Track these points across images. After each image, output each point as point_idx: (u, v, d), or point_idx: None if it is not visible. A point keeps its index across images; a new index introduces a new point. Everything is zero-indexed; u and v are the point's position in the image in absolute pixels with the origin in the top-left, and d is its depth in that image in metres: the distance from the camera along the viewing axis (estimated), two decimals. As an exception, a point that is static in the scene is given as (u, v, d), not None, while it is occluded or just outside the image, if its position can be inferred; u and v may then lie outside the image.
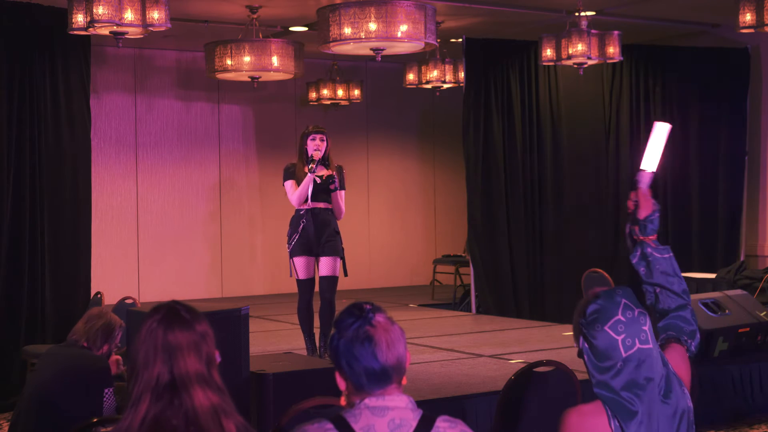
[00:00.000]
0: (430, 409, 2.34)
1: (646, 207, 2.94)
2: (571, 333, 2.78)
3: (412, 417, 2.26)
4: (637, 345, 2.59)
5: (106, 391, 4.60)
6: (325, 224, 7.01)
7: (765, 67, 10.72)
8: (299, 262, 7.03)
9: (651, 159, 3.05)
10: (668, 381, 2.63)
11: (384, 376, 2.26)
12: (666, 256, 2.91)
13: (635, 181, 3.02)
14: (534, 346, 7.61)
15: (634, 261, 2.93)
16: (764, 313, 6.88)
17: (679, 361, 2.74)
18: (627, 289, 2.67)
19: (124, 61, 11.35)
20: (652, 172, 3.02)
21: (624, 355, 2.58)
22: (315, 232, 6.98)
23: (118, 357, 5.14)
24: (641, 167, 3.03)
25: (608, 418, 2.58)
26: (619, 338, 2.59)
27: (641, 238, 2.93)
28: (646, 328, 2.62)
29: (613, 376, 2.59)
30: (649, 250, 2.90)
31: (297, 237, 6.98)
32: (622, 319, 2.60)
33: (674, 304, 2.86)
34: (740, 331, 6.64)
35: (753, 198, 10.70)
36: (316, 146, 6.97)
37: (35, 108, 7.50)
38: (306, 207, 6.97)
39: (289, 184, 7.03)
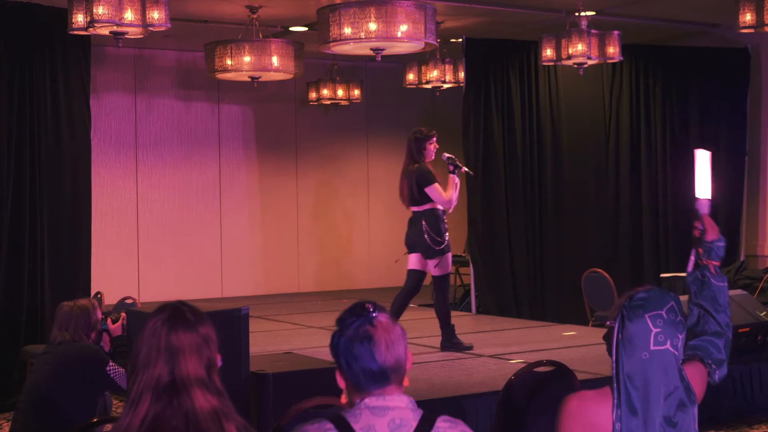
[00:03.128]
0: (430, 409, 2.33)
1: (713, 232, 3.03)
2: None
3: (412, 417, 2.26)
4: (668, 346, 2.61)
5: (108, 369, 4.61)
6: None
7: (765, 67, 10.72)
8: (449, 257, 7.38)
9: (703, 186, 3.17)
10: (687, 394, 2.64)
11: (382, 377, 2.26)
12: (721, 284, 2.97)
13: (695, 210, 3.11)
14: (534, 346, 7.60)
15: (689, 279, 3.00)
16: (764, 313, 6.88)
17: (696, 377, 2.76)
18: (678, 298, 2.70)
19: (124, 61, 11.35)
20: (709, 199, 3.13)
21: (651, 347, 2.59)
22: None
23: (117, 323, 5.09)
24: (697, 195, 3.14)
25: (613, 405, 2.59)
26: (654, 330, 2.61)
27: (704, 261, 3.00)
28: (681, 336, 2.65)
29: (636, 365, 2.59)
30: (708, 273, 2.97)
31: (447, 235, 7.30)
32: (664, 316, 2.62)
33: (712, 330, 2.90)
34: (740, 331, 6.63)
35: (753, 198, 10.70)
36: (435, 148, 7.40)
37: (35, 108, 7.50)
38: (445, 208, 7.30)
39: (438, 187, 7.27)
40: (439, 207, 7.28)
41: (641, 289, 2.70)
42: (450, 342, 7.41)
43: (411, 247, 7.47)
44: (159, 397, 2.33)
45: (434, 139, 7.41)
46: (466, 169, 7.38)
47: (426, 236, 7.27)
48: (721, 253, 3.00)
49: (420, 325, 8.99)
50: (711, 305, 2.92)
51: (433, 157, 7.39)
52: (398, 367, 2.27)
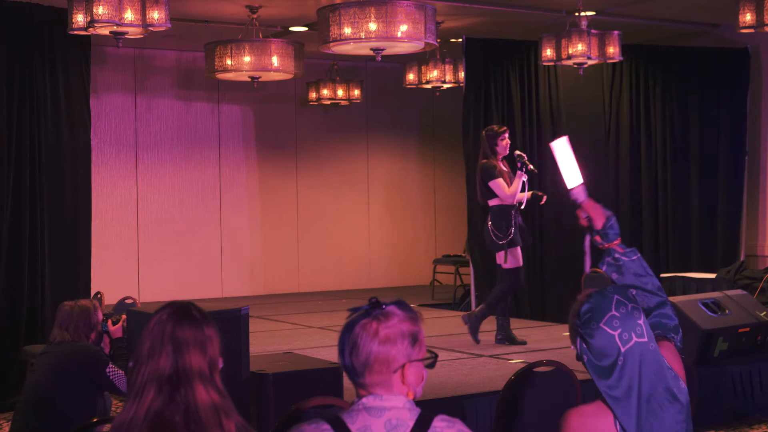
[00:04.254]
0: (430, 409, 2.33)
1: (599, 216, 2.97)
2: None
3: (409, 417, 2.25)
4: (634, 339, 2.60)
5: (108, 370, 4.62)
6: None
7: (765, 67, 10.72)
8: (518, 251, 7.64)
9: (571, 174, 3.10)
10: (672, 376, 2.64)
11: (352, 371, 2.27)
12: (634, 258, 2.92)
13: (574, 201, 3.03)
14: (534, 346, 7.61)
15: (603, 268, 2.94)
16: (764, 313, 6.88)
17: (671, 356, 2.75)
18: (618, 287, 2.68)
19: (124, 61, 11.35)
20: (582, 184, 3.05)
21: (623, 349, 2.58)
22: (520, 224, 7.68)
23: (117, 325, 5.09)
24: (568, 186, 3.06)
25: (614, 418, 2.58)
26: (615, 333, 2.59)
27: (606, 245, 2.94)
28: (641, 322, 2.63)
29: (618, 378, 2.58)
30: (617, 255, 2.92)
31: (513, 229, 7.55)
32: (616, 314, 2.61)
33: (653, 303, 2.88)
34: (740, 331, 6.63)
35: (753, 198, 10.70)
36: (507, 144, 7.63)
37: (35, 108, 7.50)
38: (514, 202, 7.56)
39: (501, 182, 7.53)
40: (511, 203, 7.56)
41: (584, 301, 2.65)
42: (475, 327, 7.71)
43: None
44: (162, 388, 2.35)
45: (506, 135, 7.65)
46: (532, 167, 7.57)
47: (489, 231, 7.59)
48: (616, 230, 2.95)
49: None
50: (637, 280, 2.89)
51: (506, 153, 7.65)
52: (367, 364, 2.24)
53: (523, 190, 7.57)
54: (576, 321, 2.65)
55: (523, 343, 7.68)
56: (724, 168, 10.63)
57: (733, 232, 10.57)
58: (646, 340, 2.61)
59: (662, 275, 9.83)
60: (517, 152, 7.65)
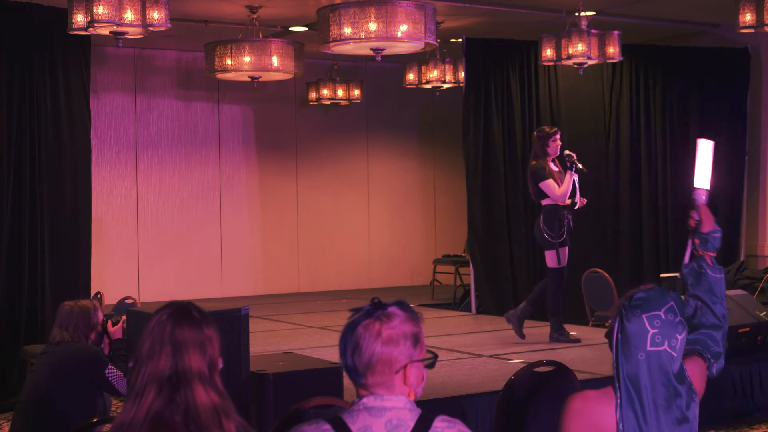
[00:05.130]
0: (430, 409, 2.33)
1: (709, 222, 3.01)
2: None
3: (410, 417, 2.25)
4: (665, 347, 2.60)
5: (107, 371, 4.61)
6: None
7: (765, 67, 10.72)
8: (566, 251, 7.75)
9: (703, 176, 3.14)
10: (689, 393, 2.64)
11: (354, 371, 2.27)
12: (718, 276, 2.94)
13: (693, 200, 3.08)
14: (534, 346, 7.60)
15: (685, 271, 2.96)
16: (764, 313, 6.87)
17: (696, 373, 2.76)
18: (680, 297, 2.69)
19: (124, 61, 11.35)
20: (707, 189, 3.10)
21: (648, 348, 2.59)
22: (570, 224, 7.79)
23: (117, 326, 5.08)
24: (696, 185, 3.10)
25: (616, 405, 2.59)
26: (651, 331, 2.60)
27: (701, 252, 2.97)
28: (680, 337, 2.63)
29: (635, 365, 2.60)
30: (704, 264, 2.94)
31: (566, 229, 7.66)
32: (662, 316, 2.61)
33: (709, 322, 2.89)
34: (740, 331, 6.63)
35: (753, 198, 10.70)
36: (558, 145, 7.70)
37: (35, 108, 7.50)
38: (564, 202, 7.66)
39: (551, 182, 7.61)
40: (562, 203, 7.65)
41: (642, 288, 2.69)
42: (557, 332, 7.74)
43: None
44: (162, 389, 2.35)
45: (557, 136, 7.71)
46: (581, 166, 7.64)
47: (542, 230, 7.68)
48: (717, 244, 2.98)
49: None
50: (708, 297, 2.90)
51: (557, 154, 7.73)
52: (369, 365, 2.24)
53: (573, 190, 7.65)
54: (625, 301, 2.67)
55: (578, 341, 7.67)
56: (724, 168, 10.62)
57: (733, 232, 10.57)
58: (675, 355, 2.62)
59: (662, 275, 9.82)
60: (567, 152, 7.71)
